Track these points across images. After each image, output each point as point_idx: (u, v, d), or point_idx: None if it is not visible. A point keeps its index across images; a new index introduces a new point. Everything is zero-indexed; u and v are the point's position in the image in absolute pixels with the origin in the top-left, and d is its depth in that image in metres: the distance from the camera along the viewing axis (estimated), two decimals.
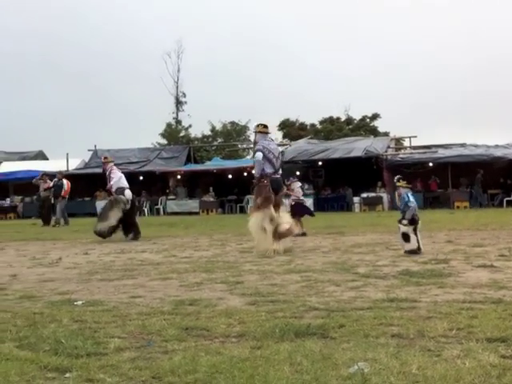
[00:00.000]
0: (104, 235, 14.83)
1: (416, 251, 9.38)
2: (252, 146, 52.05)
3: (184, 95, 59.80)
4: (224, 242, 13.17)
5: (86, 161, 38.10)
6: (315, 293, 6.28)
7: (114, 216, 15.02)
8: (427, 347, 4.00)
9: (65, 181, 23.45)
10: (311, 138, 41.81)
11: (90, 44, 73.42)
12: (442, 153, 32.41)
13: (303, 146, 35.48)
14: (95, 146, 38.85)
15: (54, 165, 35.61)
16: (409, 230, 9.49)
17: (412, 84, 68.33)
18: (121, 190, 15.58)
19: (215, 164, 37.90)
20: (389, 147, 34.61)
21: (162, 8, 75.93)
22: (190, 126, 58.75)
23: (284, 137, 55.14)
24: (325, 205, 32.38)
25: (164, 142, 56.02)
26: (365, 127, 54.80)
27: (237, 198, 34.54)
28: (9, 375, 3.62)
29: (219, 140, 56.54)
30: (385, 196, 30.93)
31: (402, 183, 10.07)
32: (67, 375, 3.67)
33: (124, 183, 15.87)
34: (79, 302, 6.06)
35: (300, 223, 14.65)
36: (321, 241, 12.85)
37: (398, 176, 10.40)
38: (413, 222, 9.56)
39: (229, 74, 72.55)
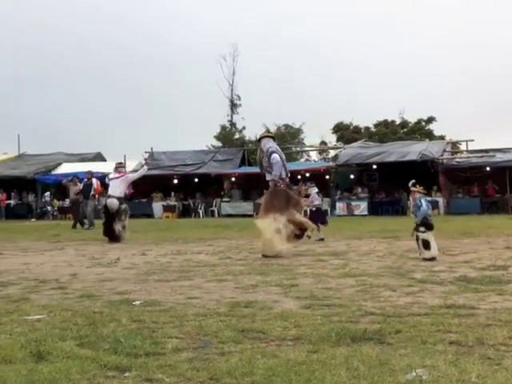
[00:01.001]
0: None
1: (435, 258, 9.30)
2: (305, 149, 52.10)
3: (239, 98, 60.07)
4: None
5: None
6: (371, 297, 6.24)
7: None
8: (487, 355, 3.93)
9: (94, 180, 23.41)
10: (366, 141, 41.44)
11: (146, 48, 74.41)
12: (499, 157, 31.73)
13: (357, 150, 35.21)
14: (151, 148, 39.36)
15: (111, 166, 36.23)
16: (428, 236, 9.45)
17: (468, 87, 67.16)
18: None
19: None
20: (445, 151, 34.07)
21: (218, 11, 76.60)
22: (244, 128, 59.05)
23: (338, 140, 54.82)
24: (379, 208, 32.10)
25: (219, 144, 56.36)
26: (420, 130, 53.99)
27: None
28: (70, 373, 3.70)
29: None
30: (440, 200, 30.43)
31: (419, 188, 10.01)
32: (126, 374, 3.74)
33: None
34: (137, 302, 6.16)
35: (318, 228, 14.76)
36: (375, 245, 12.74)
37: (413, 180, 10.24)
38: (430, 227, 9.52)
39: (283, 76, 72.68)
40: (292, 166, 37.73)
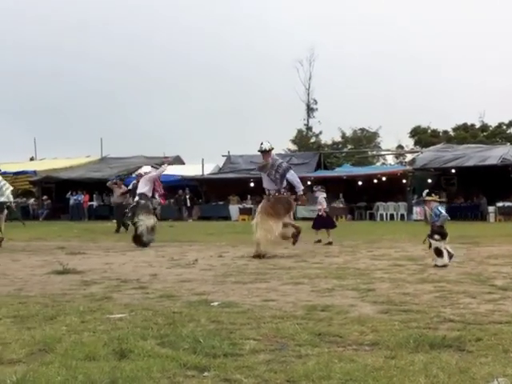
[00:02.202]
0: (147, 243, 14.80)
1: (447, 265, 9.31)
2: (382, 152, 51.48)
3: (315, 102, 59.94)
4: (354, 249, 13.10)
5: (220, 166, 39.06)
6: (450, 304, 6.13)
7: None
8: None
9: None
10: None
11: (224, 54, 75.24)
12: None
13: (435, 153, 34.52)
14: (228, 152, 39.79)
15: (189, 169, 36.86)
16: (441, 244, 9.49)
17: None
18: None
19: (345, 170, 37.69)
20: None
21: (295, 17, 76.70)
22: (320, 132, 58.91)
23: (415, 144, 53.92)
24: (457, 213, 31.34)
25: (295, 148, 56.42)
26: (501, 134, 52.50)
27: (366, 204, 34.20)
28: (151, 371, 3.81)
29: (349, 146, 56.23)
30: None
31: (434, 197, 10.12)
32: (205, 374, 3.81)
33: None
34: (215, 303, 6.26)
35: (328, 232, 15.31)
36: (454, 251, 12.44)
37: (426, 190, 10.42)
38: (444, 235, 9.57)
39: (359, 81, 72.10)
40: (368, 170, 37.59)
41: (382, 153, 53.24)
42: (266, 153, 12.64)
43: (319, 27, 76.80)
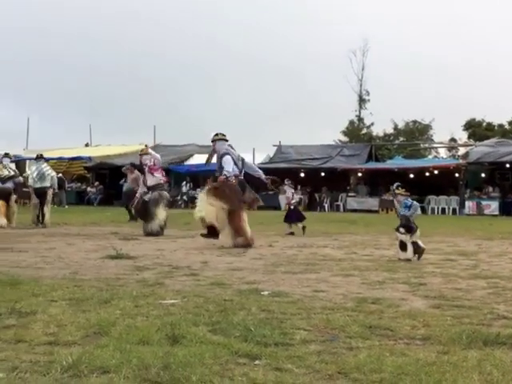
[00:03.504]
0: (157, 234, 14.60)
1: (410, 260, 9.34)
2: (434, 145, 50.75)
3: (367, 93, 59.33)
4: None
5: (271, 156, 39.08)
6: (503, 301, 6.03)
7: (162, 213, 15.06)
8: None
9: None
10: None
11: (278, 46, 75.12)
12: None
13: (490, 148, 33.85)
14: (279, 142, 39.77)
15: None
16: (406, 238, 9.50)
17: None
18: (161, 186, 15.55)
19: (397, 163, 37.31)
20: None
21: (349, 6, 75.99)
22: (372, 123, 58.35)
23: (469, 137, 52.94)
24: (511, 209, 30.73)
25: (346, 139, 56.05)
26: None
27: (418, 197, 33.77)
28: (203, 358, 3.85)
29: (401, 139, 55.58)
30: None
31: (401, 191, 10.10)
32: (256, 362, 3.84)
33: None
34: (265, 292, 6.29)
35: (291, 225, 15.74)
36: (508, 247, 12.24)
37: (396, 183, 10.38)
38: (410, 229, 9.56)
39: (412, 72, 70.98)
40: (420, 163, 37.10)
41: (435, 145, 52.48)
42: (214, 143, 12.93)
43: (373, 17, 75.94)
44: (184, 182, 36.89)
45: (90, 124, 48.80)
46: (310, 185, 35.91)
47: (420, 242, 9.60)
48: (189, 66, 74.28)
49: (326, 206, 34.74)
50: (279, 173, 34.94)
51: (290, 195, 16.46)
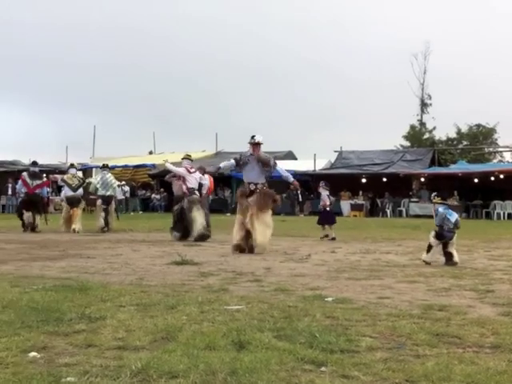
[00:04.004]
0: (203, 237, 14.82)
1: (430, 263, 9.56)
2: (499, 149, 49.53)
3: (429, 97, 58.37)
4: (471, 248, 12.72)
5: (332, 161, 38.94)
6: None
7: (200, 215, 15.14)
8: None
9: (207, 176, 20.91)
10: None
11: (337, 48, 74.79)
12: None
13: None
14: (341, 148, 39.62)
15: (301, 164, 36.96)
16: (435, 242, 9.66)
17: None
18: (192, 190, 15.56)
19: (460, 167, 36.62)
20: None
21: (411, 10, 75.06)
22: (434, 128, 57.37)
23: None
24: None
25: (407, 144, 55.30)
26: None
27: (482, 202, 33.11)
28: (269, 364, 3.87)
29: (464, 143, 54.45)
30: None
31: (437, 199, 10.20)
32: (323, 369, 3.84)
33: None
34: (329, 299, 6.27)
35: (330, 228, 15.80)
36: None
37: (434, 193, 10.58)
38: (440, 236, 9.66)
39: (476, 75, 69.51)
40: (484, 168, 36.29)
41: (500, 149, 51.21)
42: (257, 145, 12.63)
43: (435, 20, 74.69)
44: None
45: (154, 132, 49.60)
46: (372, 190, 35.61)
47: (455, 255, 9.63)
48: (249, 72, 74.73)
49: (388, 211, 34.36)
50: (340, 178, 35.03)
51: (325, 198, 16.44)
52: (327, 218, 16.08)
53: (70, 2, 74.83)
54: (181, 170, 15.83)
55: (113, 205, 18.98)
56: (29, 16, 73.10)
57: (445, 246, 9.67)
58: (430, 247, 9.70)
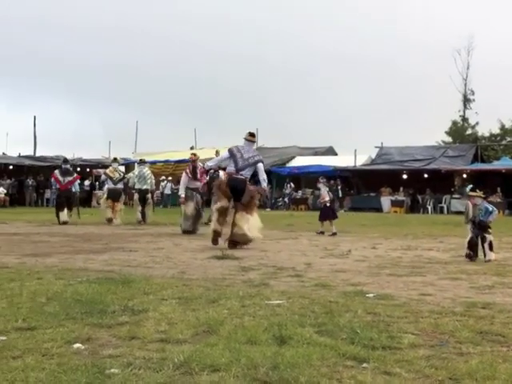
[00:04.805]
0: (190, 231, 15.22)
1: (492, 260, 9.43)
2: None
3: (472, 93, 57.51)
4: None
5: (373, 157, 38.66)
6: None
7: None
8: None
9: (221, 172, 21.26)
10: None
11: (383, 39, 74.06)
12: None
13: None
14: (381, 143, 39.30)
15: (342, 160, 36.80)
16: (490, 237, 9.55)
17: None
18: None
19: (504, 164, 35.98)
20: None
21: (455, 5, 73.96)
22: (477, 123, 56.54)
23: None
24: None
25: (449, 140, 54.61)
26: None
27: None
28: (311, 359, 3.87)
29: (508, 139, 53.51)
30: None
31: (479, 193, 9.92)
32: (364, 365, 3.82)
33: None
34: (371, 295, 6.24)
35: (331, 223, 15.70)
36: None
37: (470, 185, 10.32)
38: (486, 229, 9.61)
39: None
40: None
41: None
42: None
43: (478, 15, 73.56)
44: (286, 184, 37.06)
45: (195, 127, 49.87)
46: (413, 186, 35.23)
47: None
48: (289, 68, 74.65)
49: (430, 208, 33.95)
50: (381, 174, 34.78)
51: (325, 193, 16.37)
52: (328, 213, 16.04)
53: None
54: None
55: (149, 197, 19.76)
56: (80, 22, 74.16)
57: (482, 241, 9.59)
58: (492, 245, 9.60)
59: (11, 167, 37.78)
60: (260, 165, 11.94)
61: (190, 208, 15.39)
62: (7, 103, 71.32)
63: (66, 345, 4.19)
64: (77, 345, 4.20)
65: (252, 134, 12.43)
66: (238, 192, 11.59)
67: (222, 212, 11.58)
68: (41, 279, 6.99)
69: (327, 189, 16.81)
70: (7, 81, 72.52)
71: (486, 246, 9.57)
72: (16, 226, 17.80)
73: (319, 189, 17.19)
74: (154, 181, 20.44)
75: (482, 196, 9.98)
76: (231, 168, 11.83)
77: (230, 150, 11.97)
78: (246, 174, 11.82)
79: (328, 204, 16.19)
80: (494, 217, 9.72)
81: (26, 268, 8.04)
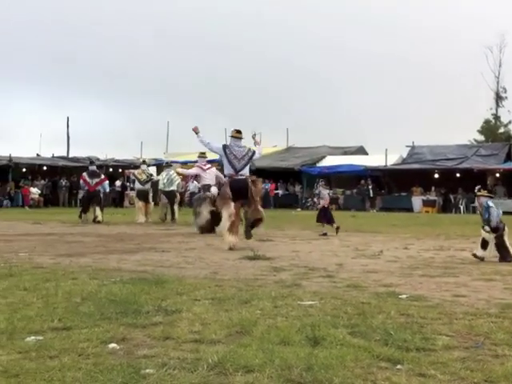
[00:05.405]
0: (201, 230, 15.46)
1: (483, 260, 9.50)
2: None
3: (504, 90, 56.74)
4: None
5: (404, 156, 38.37)
6: None
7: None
8: None
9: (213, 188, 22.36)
10: None
11: (414, 37, 73.51)
12: None
13: None
14: (413, 142, 38.97)
15: (373, 160, 36.57)
16: (490, 237, 9.57)
17: None
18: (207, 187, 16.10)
19: None
20: None
21: (485, 1, 73.03)
22: (509, 122, 55.79)
23: None
24: None
25: (481, 138, 53.99)
26: None
27: None
28: (345, 360, 3.87)
29: None
30: None
31: (483, 192, 10.21)
32: (398, 367, 3.81)
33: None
34: (403, 296, 6.21)
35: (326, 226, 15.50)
36: None
37: (478, 186, 10.58)
38: (496, 230, 9.59)
39: None
40: None
41: None
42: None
43: (510, 13, 72.60)
44: (315, 184, 36.96)
45: (225, 128, 50.00)
46: (445, 186, 34.88)
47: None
48: (319, 69, 74.38)
49: (462, 207, 33.57)
50: (412, 174, 34.49)
51: (326, 197, 16.41)
52: (326, 216, 15.91)
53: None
54: (193, 171, 17.06)
55: (177, 198, 20.92)
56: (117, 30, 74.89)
57: (501, 240, 9.59)
58: (485, 243, 9.62)
59: (45, 168, 38.23)
60: (256, 156, 12.60)
61: (207, 208, 15.51)
62: (41, 105, 72.21)
63: (101, 345, 4.25)
64: (112, 345, 4.25)
65: (238, 131, 12.63)
66: (242, 192, 11.93)
67: (233, 218, 11.72)
68: (75, 279, 7.09)
69: (327, 191, 17.02)
70: (40, 82, 73.43)
71: (479, 242, 9.74)
72: (50, 226, 18.04)
73: (319, 192, 17.29)
74: (180, 182, 21.58)
75: (487, 195, 10.20)
76: (230, 171, 12.16)
77: (224, 149, 12.24)
78: (245, 172, 12.22)
79: (327, 206, 16.18)
80: (493, 214, 9.71)
81: (60, 268, 8.15)
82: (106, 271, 7.90)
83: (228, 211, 11.67)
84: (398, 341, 4.31)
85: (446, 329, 4.79)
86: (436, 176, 35.45)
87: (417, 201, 34.19)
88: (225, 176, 12.63)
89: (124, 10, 77.00)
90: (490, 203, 9.91)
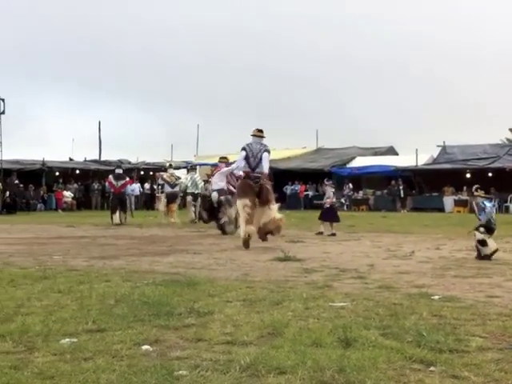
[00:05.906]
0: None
1: (491, 256, 9.62)
2: None
3: None
4: None
5: (435, 156, 38.03)
6: None
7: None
8: None
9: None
10: None
11: (444, 38, 72.89)
12: None
13: None
14: (444, 142, 38.59)
15: (403, 160, 36.32)
16: (485, 236, 9.73)
17: None
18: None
19: None
20: None
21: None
22: None
23: None
24: None
25: None
26: None
27: None
28: (377, 362, 3.86)
29: None
30: None
31: (480, 193, 10.32)
32: (431, 369, 3.79)
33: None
34: (436, 297, 6.17)
35: (331, 225, 15.71)
36: None
37: (476, 186, 10.59)
38: (489, 230, 9.85)
39: None
40: None
41: None
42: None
43: None
44: (344, 185, 36.81)
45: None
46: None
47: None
48: (351, 68, 74.13)
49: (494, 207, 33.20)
50: (443, 174, 34.17)
51: (331, 195, 16.48)
52: (330, 215, 15.99)
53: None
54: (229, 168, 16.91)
55: (198, 201, 21.05)
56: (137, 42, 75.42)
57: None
58: (483, 242, 9.71)
59: (78, 172, 38.72)
60: (265, 154, 12.34)
61: (233, 211, 15.54)
62: (73, 109, 73.01)
63: (134, 346, 4.29)
64: (145, 346, 4.29)
65: (260, 130, 12.75)
66: (254, 189, 12.14)
67: (249, 209, 11.92)
68: (109, 281, 7.17)
69: (333, 190, 17.04)
70: (72, 87, 74.30)
71: (476, 243, 9.84)
72: (83, 229, 18.27)
73: (325, 191, 17.45)
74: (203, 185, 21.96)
75: (483, 196, 10.38)
76: (246, 168, 12.36)
77: (244, 149, 12.40)
78: (261, 170, 12.32)
79: (330, 205, 16.23)
80: (486, 212, 9.96)
81: (94, 270, 8.25)
82: (139, 273, 7.98)
83: (242, 202, 11.94)
84: (430, 342, 4.29)
85: (480, 330, 4.75)
86: (468, 176, 35.05)
87: (448, 201, 33.86)
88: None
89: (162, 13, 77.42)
90: (487, 203, 10.02)
